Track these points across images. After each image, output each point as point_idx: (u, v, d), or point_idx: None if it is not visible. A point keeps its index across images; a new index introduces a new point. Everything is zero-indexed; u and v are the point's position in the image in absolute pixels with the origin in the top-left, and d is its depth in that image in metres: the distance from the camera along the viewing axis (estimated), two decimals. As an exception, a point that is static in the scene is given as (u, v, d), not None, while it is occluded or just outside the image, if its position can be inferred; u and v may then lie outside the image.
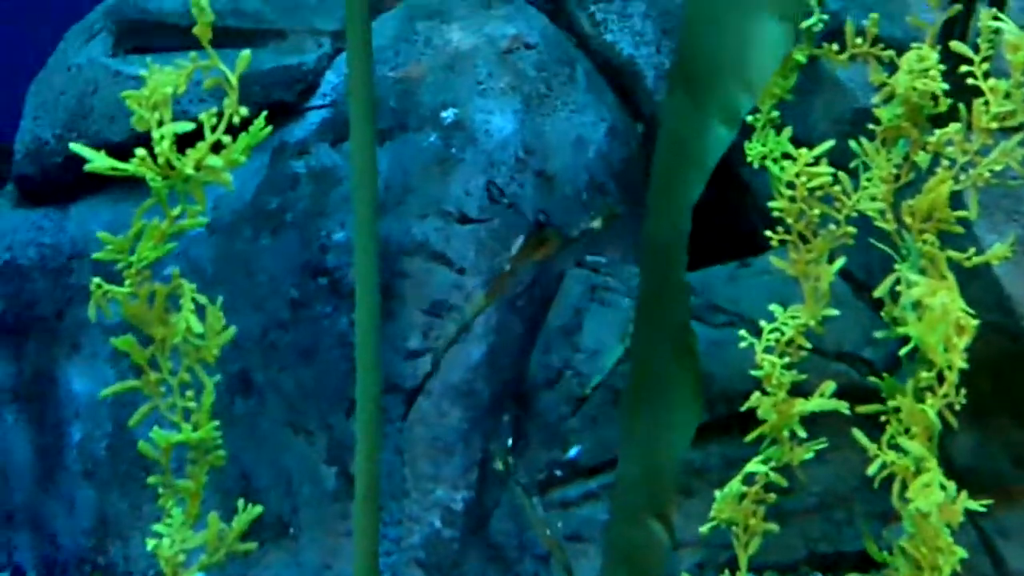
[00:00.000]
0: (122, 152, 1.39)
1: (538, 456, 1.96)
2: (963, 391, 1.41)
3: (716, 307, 1.91)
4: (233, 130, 1.30)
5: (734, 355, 1.61)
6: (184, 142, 1.29)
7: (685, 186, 1.15)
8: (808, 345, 1.51)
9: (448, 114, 2.09)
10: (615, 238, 2.12)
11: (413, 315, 1.98)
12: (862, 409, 1.58)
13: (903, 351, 1.45)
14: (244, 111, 1.29)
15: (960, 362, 1.38)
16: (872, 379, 1.64)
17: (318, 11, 2.34)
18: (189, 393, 1.32)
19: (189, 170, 1.26)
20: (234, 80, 1.28)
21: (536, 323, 2.02)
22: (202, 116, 1.28)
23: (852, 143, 1.57)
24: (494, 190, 2.03)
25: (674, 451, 1.24)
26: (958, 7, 1.58)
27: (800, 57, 1.48)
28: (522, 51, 2.19)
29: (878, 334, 1.62)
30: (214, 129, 1.28)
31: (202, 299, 1.32)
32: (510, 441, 1.97)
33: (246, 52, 1.30)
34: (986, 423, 1.76)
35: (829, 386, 1.56)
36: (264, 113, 1.32)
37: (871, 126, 1.58)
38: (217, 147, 1.29)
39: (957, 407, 1.40)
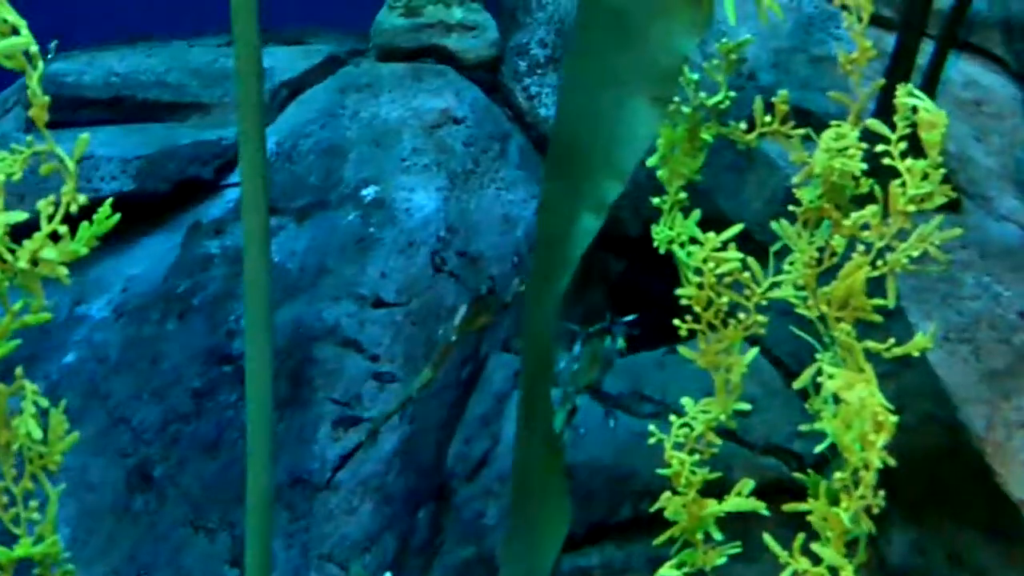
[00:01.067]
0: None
1: (455, 553, 1.87)
2: (882, 493, 1.32)
3: (643, 396, 1.84)
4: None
5: (659, 448, 1.53)
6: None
7: (553, 282, 1.08)
8: (718, 441, 1.43)
9: (369, 192, 2.03)
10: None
11: (322, 404, 1.90)
12: (787, 508, 1.49)
13: (819, 448, 1.37)
14: (83, 199, 1.21)
15: (877, 461, 1.30)
16: (798, 475, 1.56)
17: (245, 83, 2.28)
18: (33, 503, 1.22)
19: (23, 263, 1.17)
20: (71, 165, 1.20)
21: (458, 411, 1.95)
22: (40, 205, 1.20)
23: (773, 224, 1.50)
24: (438, 260, 1.97)
25: (542, 560, 1.17)
26: (880, 82, 1.52)
27: (707, 136, 1.42)
28: (450, 125, 2.14)
29: (803, 427, 1.54)
30: (51, 219, 1.19)
31: (44, 402, 1.23)
32: (426, 537, 1.89)
33: (84, 135, 1.21)
34: (921, 520, 1.69)
35: (747, 484, 1.47)
36: (109, 200, 1.23)
37: (791, 207, 1.51)
38: (56, 237, 1.20)
39: (876, 510, 1.32)
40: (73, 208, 1.18)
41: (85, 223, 1.21)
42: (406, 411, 1.90)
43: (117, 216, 1.23)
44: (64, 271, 1.19)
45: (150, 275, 2.01)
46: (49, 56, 2.56)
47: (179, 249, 2.04)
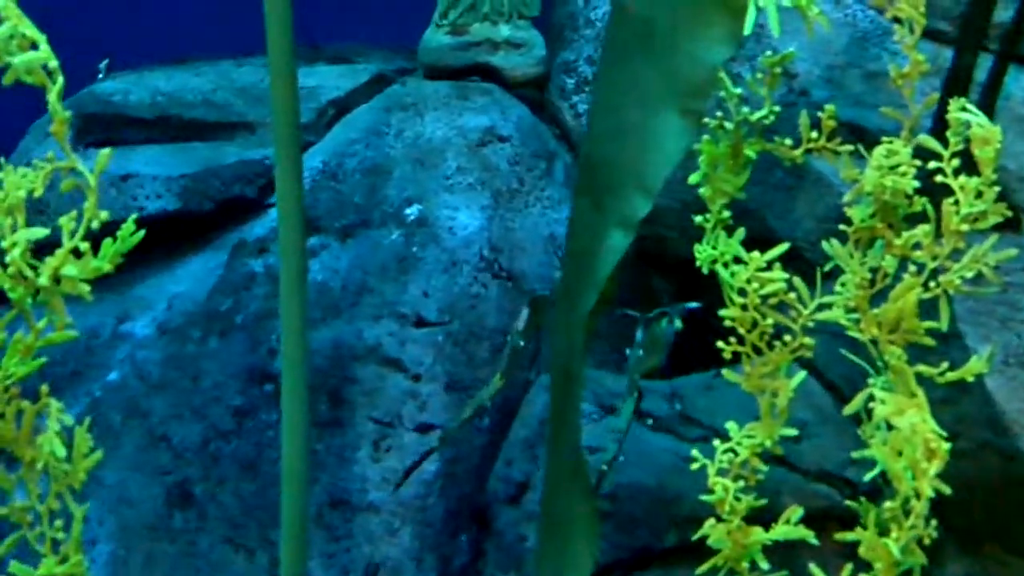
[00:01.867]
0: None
1: (496, 579, 1.85)
2: (934, 523, 1.28)
3: (690, 419, 1.80)
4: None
5: (705, 473, 1.50)
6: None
7: (581, 299, 1.06)
8: (763, 467, 1.39)
9: (412, 210, 2.02)
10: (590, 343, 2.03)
11: (363, 424, 1.89)
12: (838, 536, 1.45)
13: (869, 476, 1.33)
14: (105, 214, 1.20)
15: (929, 490, 1.25)
16: (850, 503, 1.52)
17: (292, 102, 2.28)
18: (58, 523, 1.21)
19: (44, 280, 1.16)
20: (92, 181, 1.19)
21: (500, 434, 1.92)
22: (61, 221, 1.19)
23: (824, 244, 1.47)
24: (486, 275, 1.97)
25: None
26: (934, 97, 1.48)
27: (751, 153, 1.38)
28: (495, 144, 2.13)
29: (855, 454, 1.49)
30: (73, 234, 1.19)
31: (68, 420, 1.22)
32: (467, 561, 1.87)
33: (106, 151, 1.21)
34: (978, 551, 1.63)
35: (795, 512, 1.43)
36: (134, 216, 1.23)
37: (843, 227, 1.47)
38: (78, 254, 1.19)
39: (928, 541, 1.27)
40: (95, 224, 1.18)
41: (108, 240, 1.20)
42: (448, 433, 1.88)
43: (141, 233, 1.22)
44: (86, 288, 1.18)
45: (194, 293, 2.02)
46: (100, 76, 2.58)
47: (222, 268, 2.04)
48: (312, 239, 2.04)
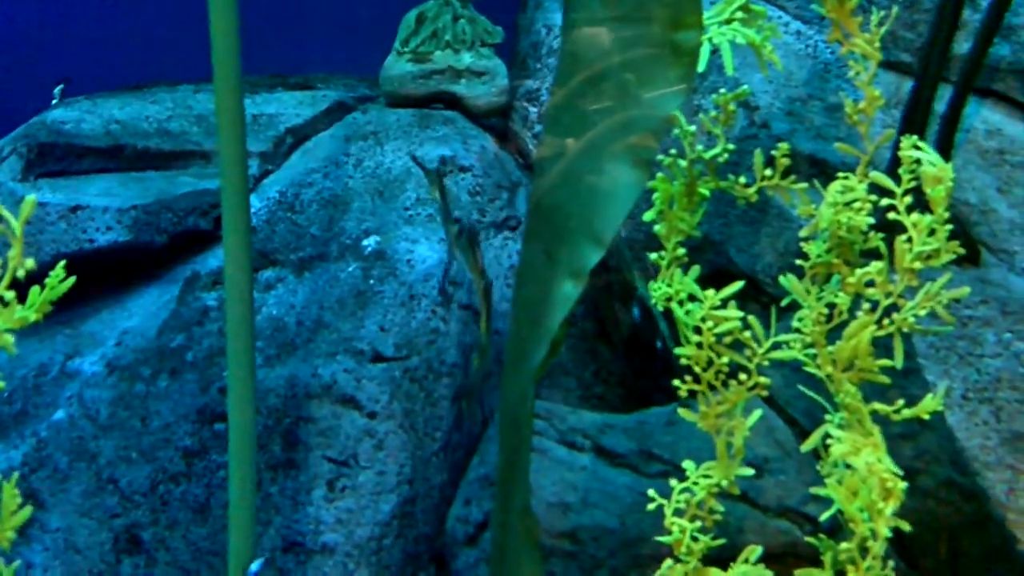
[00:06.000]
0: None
1: (455, 622, 1.87)
2: (892, 564, 1.31)
3: (651, 455, 1.83)
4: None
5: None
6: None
7: (532, 350, 1.09)
8: (720, 507, 1.43)
9: (370, 242, 2.04)
10: (553, 377, 2.06)
11: (318, 464, 1.90)
12: (800, 574, 1.49)
13: (824, 516, 1.37)
14: (31, 263, 1.21)
15: (886, 531, 1.29)
16: (809, 540, 1.56)
17: (249, 130, 2.30)
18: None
19: (-37, 333, 1.17)
20: (17, 228, 1.20)
21: (459, 473, 1.94)
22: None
23: (781, 279, 1.51)
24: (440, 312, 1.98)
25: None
26: (890, 133, 1.53)
27: (704, 191, 1.42)
28: (456, 174, 2.15)
29: (814, 490, 1.53)
30: None
31: None
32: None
33: (31, 197, 1.23)
34: (944, 592, 1.66)
35: (754, 551, 1.47)
36: (62, 263, 1.24)
37: (799, 261, 1.52)
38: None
39: (885, 582, 1.31)
40: (20, 273, 1.18)
41: (35, 288, 1.21)
42: (404, 472, 1.90)
43: (71, 280, 1.23)
44: (10, 339, 1.18)
45: (145, 328, 2.02)
46: (54, 101, 2.60)
47: (174, 302, 2.05)
48: (268, 272, 2.06)
